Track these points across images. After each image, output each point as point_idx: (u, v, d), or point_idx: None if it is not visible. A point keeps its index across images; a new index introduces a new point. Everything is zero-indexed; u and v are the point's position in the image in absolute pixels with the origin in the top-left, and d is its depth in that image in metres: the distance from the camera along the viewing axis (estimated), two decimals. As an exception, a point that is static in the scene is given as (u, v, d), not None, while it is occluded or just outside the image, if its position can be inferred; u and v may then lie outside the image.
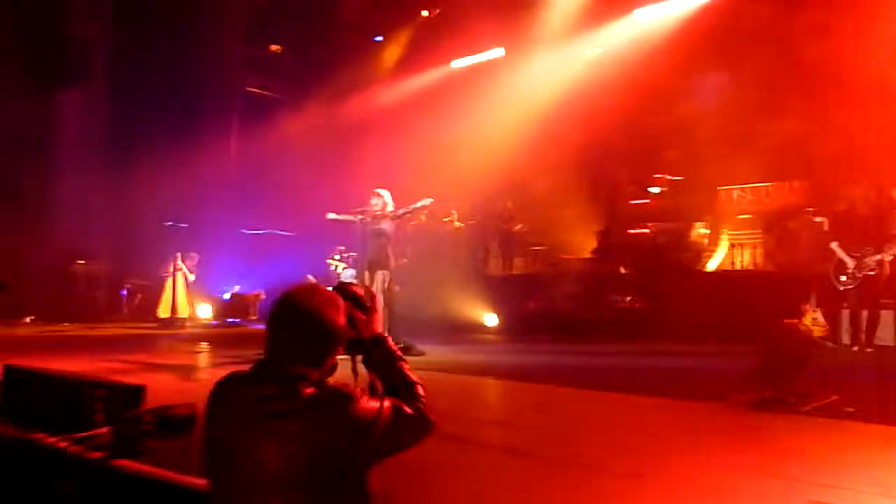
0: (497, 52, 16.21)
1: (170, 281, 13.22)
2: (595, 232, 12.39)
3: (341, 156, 16.57)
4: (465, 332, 11.71)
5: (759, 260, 11.11)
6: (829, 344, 8.37)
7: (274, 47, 18.13)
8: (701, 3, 13.47)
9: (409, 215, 9.29)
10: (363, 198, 8.95)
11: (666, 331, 9.94)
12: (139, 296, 14.48)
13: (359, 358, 2.25)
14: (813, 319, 8.55)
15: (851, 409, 4.74)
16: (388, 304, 8.65)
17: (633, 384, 6.14)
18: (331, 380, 2.06)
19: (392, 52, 17.78)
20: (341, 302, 2.14)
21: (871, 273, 8.35)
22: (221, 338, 10.73)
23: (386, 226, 8.71)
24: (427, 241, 14.09)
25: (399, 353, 2.24)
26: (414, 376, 2.17)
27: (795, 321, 5.24)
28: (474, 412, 5.19)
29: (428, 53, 16.60)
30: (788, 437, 4.30)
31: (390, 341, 2.25)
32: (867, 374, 6.73)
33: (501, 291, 13.31)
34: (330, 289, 2.18)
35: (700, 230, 12.37)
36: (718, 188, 12.47)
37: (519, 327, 11.57)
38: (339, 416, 1.93)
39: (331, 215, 8.97)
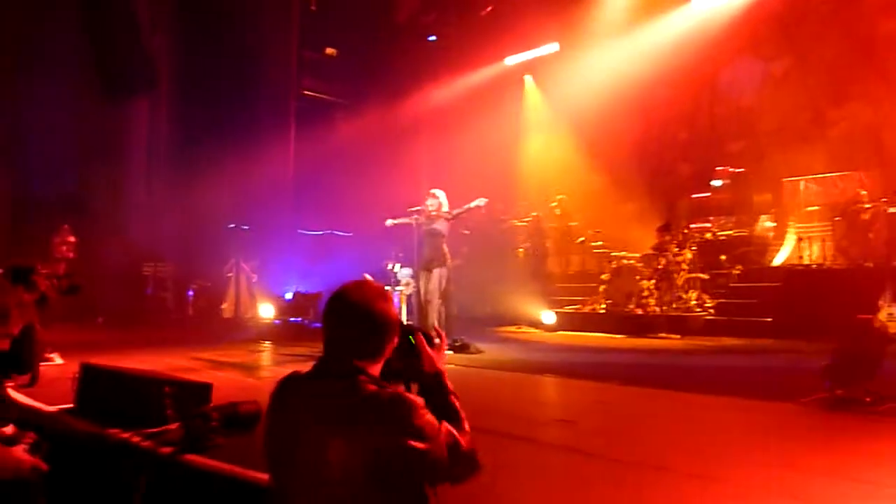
0: (551, 48, 16.05)
1: (233, 281, 13.59)
2: (655, 227, 12.14)
3: (396, 156, 16.72)
4: (522, 330, 11.65)
5: (829, 254, 10.69)
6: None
7: (329, 50, 18.40)
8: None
9: (464, 215, 9.29)
10: (418, 198, 9.01)
11: (731, 328, 9.68)
12: (204, 296, 14.92)
13: (414, 387, 2.24)
14: (888, 315, 8.17)
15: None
16: (445, 303, 8.68)
17: (697, 383, 5.99)
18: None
19: (447, 51, 17.83)
20: (390, 294, 2.18)
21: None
22: (283, 336, 10.95)
23: (441, 225, 8.75)
24: (483, 240, 14.09)
25: (452, 388, 2.24)
26: (463, 413, 2.19)
27: (870, 317, 5.00)
28: (535, 411, 5.15)
29: (481, 51, 16.58)
30: (863, 438, 4.12)
31: (447, 378, 2.26)
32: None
33: (559, 289, 13.20)
34: (403, 327, 2.19)
35: (765, 224, 11.98)
36: (784, 180, 12.05)
37: (577, 325, 11.44)
38: (399, 421, 1.93)
39: (389, 221, 9.10)
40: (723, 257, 11.51)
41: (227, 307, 13.64)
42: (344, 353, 2.06)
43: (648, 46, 14.27)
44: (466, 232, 13.59)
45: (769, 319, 9.39)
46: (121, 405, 4.10)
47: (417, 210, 8.78)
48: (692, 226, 12.30)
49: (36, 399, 4.34)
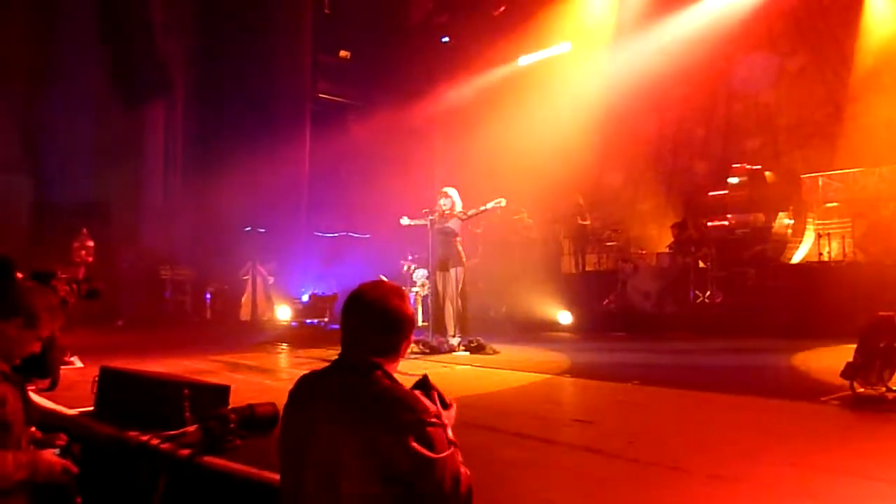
0: (564, 47, 16.00)
1: (249, 284, 13.69)
2: (671, 225, 12.07)
3: (411, 157, 16.76)
4: (539, 330, 11.61)
5: (848, 250, 10.56)
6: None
7: (343, 53, 18.47)
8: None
9: (479, 216, 9.27)
10: (433, 198, 9.01)
11: (749, 326, 9.58)
12: (221, 299, 15.03)
13: None
14: (910, 312, 8.05)
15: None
16: (460, 303, 8.68)
17: (715, 382, 5.94)
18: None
19: (460, 52, 17.83)
20: (405, 292, 2.23)
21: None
22: (300, 338, 11.00)
23: (455, 224, 8.74)
24: (498, 239, 14.07)
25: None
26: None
27: (891, 314, 4.94)
28: (552, 411, 5.13)
29: (494, 51, 16.56)
30: (885, 437, 4.06)
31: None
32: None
33: (575, 288, 13.14)
34: (417, 384, 2.18)
35: (783, 221, 11.86)
36: (802, 176, 11.93)
37: (594, 325, 11.39)
38: (408, 420, 1.94)
39: (404, 221, 9.07)
40: (740, 255, 11.41)
41: (244, 310, 13.74)
42: (360, 349, 2.10)
43: (662, 44, 14.19)
44: (478, 231, 13.57)
45: (788, 318, 9.29)
46: (140, 408, 4.15)
47: (431, 210, 8.77)
48: (709, 223, 12.21)
49: (56, 402, 4.40)
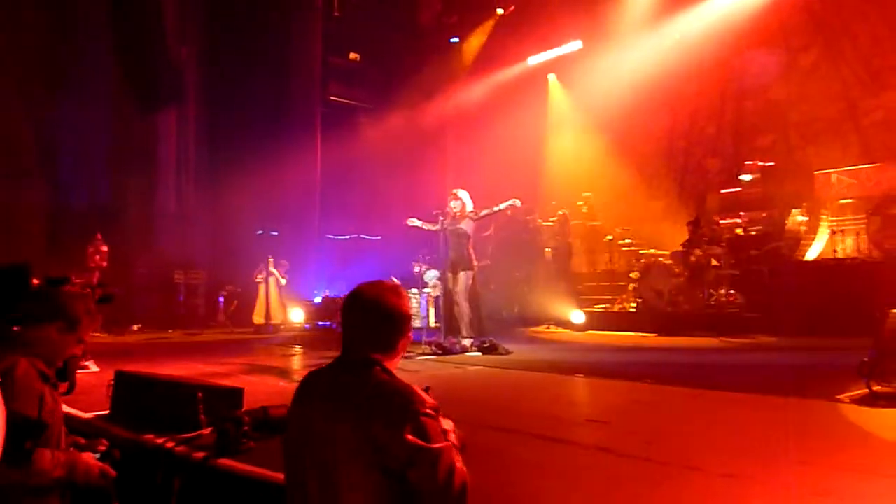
0: (575, 45, 15.96)
1: (262, 287, 13.75)
2: (687, 223, 12.00)
3: (422, 158, 16.79)
4: (550, 330, 11.60)
5: (863, 247, 10.46)
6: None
7: (353, 55, 18.52)
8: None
9: (492, 216, 9.24)
10: (445, 200, 9.00)
11: (763, 324, 9.52)
12: (235, 302, 15.10)
13: None
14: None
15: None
16: (472, 304, 8.68)
17: (729, 381, 5.91)
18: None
19: (469, 52, 17.84)
20: (403, 291, 2.28)
21: None
22: (313, 340, 11.04)
23: (466, 226, 8.74)
24: (509, 239, 14.06)
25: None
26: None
27: (907, 311, 4.89)
28: (566, 411, 5.12)
29: (504, 51, 16.57)
30: (903, 434, 4.02)
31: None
32: None
33: (587, 288, 13.11)
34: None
35: (797, 218, 11.76)
36: (815, 172, 11.83)
37: (607, 324, 11.35)
38: (402, 412, 1.98)
39: (411, 222, 9.05)
40: (754, 252, 11.33)
41: (257, 313, 13.81)
42: (359, 344, 2.16)
43: (673, 40, 14.13)
44: (487, 233, 13.56)
45: (803, 315, 9.21)
46: (154, 411, 4.18)
47: (442, 212, 8.77)
48: (722, 221, 12.14)
49: (73, 406, 4.44)
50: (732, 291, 10.88)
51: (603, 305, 12.31)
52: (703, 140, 14.74)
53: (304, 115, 17.73)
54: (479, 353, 8.26)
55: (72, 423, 3.98)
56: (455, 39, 18.27)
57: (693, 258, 11.09)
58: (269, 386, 6.10)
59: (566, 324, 11.70)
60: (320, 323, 13.88)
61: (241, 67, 16.33)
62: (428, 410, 2.01)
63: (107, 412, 4.56)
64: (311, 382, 2.24)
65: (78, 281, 3.63)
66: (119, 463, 3.10)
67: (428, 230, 8.92)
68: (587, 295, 12.79)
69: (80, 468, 2.64)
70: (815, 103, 12.78)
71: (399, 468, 1.94)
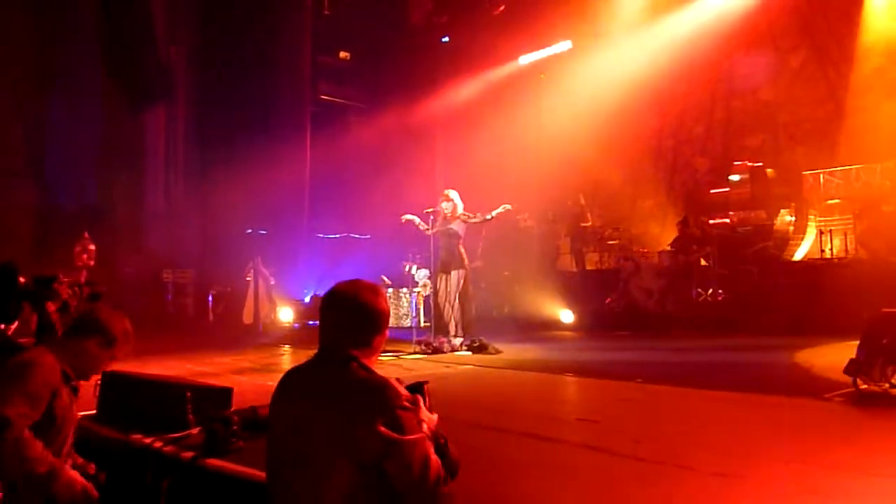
0: (564, 45, 15.99)
1: (251, 286, 13.68)
2: (677, 222, 12.06)
3: (412, 158, 16.75)
4: (541, 329, 11.61)
5: (850, 247, 10.55)
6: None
7: (343, 54, 18.47)
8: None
9: (485, 223, 9.21)
10: (435, 200, 8.98)
11: (752, 324, 9.58)
12: (224, 301, 15.03)
13: None
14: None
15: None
16: (463, 304, 8.67)
17: (718, 380, 5.93)
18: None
19: (460, 51, 17.82)
20: (381, 289, 2.32)
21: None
22: (303, 340, 10.99)
23: (456, 226, 8.73)
24: (500, 238, 14.07)
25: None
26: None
27: (894, 310, 4.92)
28: (556, 410, 5.12)
29: (495, 51, 16.56)
30: (889, 433, 4.05)
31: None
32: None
33: (577, 287, 13.13)
34: (412, 386, 2.26)
35: (785, 218, 11.85)
36: (804, 173, 11.92)
37: (596, 323, 11.38)
38: (379, 405, 2.00)
39: (407, 217, 8.99)
40: (742, 252, 11.40)
41: (246, 312, 13.74)
42: (337, 342, 2.18)
43: (662, 41, 14.17)
44: (481, 232, 13.56)
45: (791, 314, 9.28)
46: (142, 410, 4.14)
47: (432, 212, 8.76)
48: (711, 221, 12.20)
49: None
50: (721, 291, 10.94)
51: (592, 304, 12.33)
52: (692, 140, 14.81)
53: (294, 114, 17.66)
54: (469, 353, 8.25)
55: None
56: (446, 39, 18.25)
57: (682, 258, 11.15)
58: (259, 385, 6.06)
59: (556, 323, 11.71)
60: (310, 322, 13.83)
61: (230, 66, 16.24)
62: (403, 403, 2.03)
63: (94, 412, 4.51)
64: (290, 380, 2.26)
65: (65, 280, 3.60)
66: (107, 463, 3.08)
67: (421, 229, 8.88)
68: (576, 294, 12.80)
69: (63, 478, 2.62)
70: (804, 104, 12.87)
71: (375, 461, 1.96)
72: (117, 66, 15.16)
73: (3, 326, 3.45)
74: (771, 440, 3.82)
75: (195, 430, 3.80)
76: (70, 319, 3.44)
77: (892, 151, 11.09)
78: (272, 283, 14.04)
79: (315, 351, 2.26)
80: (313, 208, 17.47)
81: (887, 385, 4.68)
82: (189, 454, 3.51)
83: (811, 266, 10.48)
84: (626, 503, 2.97)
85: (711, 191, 13.22)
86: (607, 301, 12.35)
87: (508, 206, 8.76)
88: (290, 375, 2.28)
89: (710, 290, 11.00)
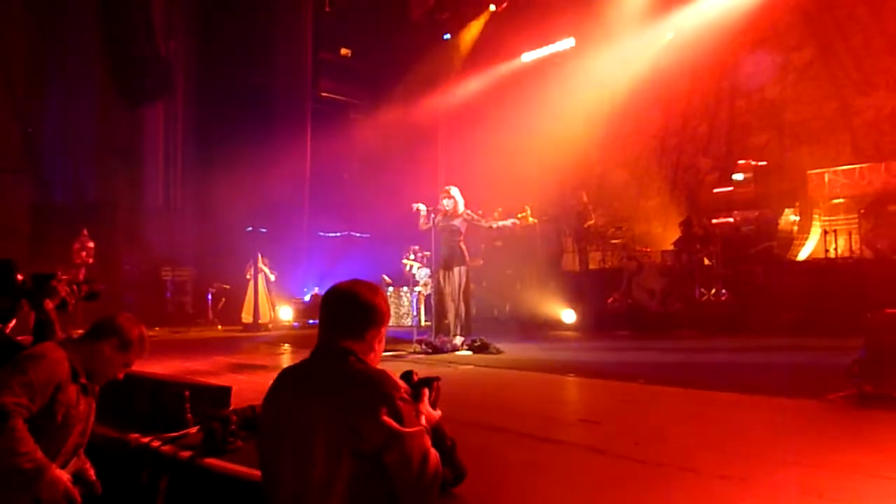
0: (567, 43, 15.97)
1: (251, 284, 13.69)
2: (680, 222, 12.04)
3: (414, 156, 16.75)
4: (543, 329, 11.60)
5: (855, 247, 10.53)
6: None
7: (344, 51, 18.46)
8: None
9: (486, 228, 9.21)
10: (436, 198, 8.98)
11: (755, 324, 9.57)
12: (223, 299, 15.04)
13: None
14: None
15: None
16: (464, 303, 8.67)
17: (722, 381, 5.92)
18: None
19: (462, 48, 17.81)
20: (380, 288, 2.37)
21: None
22: (303, 339, 11.00)
23: (458, 223, 8.73)
24: (501, 238, 14.07)
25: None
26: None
27: (899, 311, 4.91)
28: (557, 411, 5.12)
29: (497, 48, 16.55)
30: (892, 435, 4.04)
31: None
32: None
33: (579, 287, 13.12)
34: (423, 379, 2.36)
35: (789, 217, 11.84)
36: (808, 172, 11.90)
37: (598, 323, 11.37)
38: (380, 397, 2.02)
39: (417, 205, 8.91)
40: (746, 252, 11.39)
41: (245, 311, 13.75)
42: (332, 334, 2.21)
43: (666, 39, 14.16)
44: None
45: (794, 315, 9.27)
46: (141, 409, 4.15)
47: (434, 209, 8.75)
48: (714, 221, 12.19)
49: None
50: (724, 291, 10.93)
51: (595, 304, 12.32)
52: (696, 139, 14.79)
53: (295, 111, 17.67)
54: (471, 352, 8.25)
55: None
56: (447, 36, 18.23)
57: (685, 257, 11.14)
58: (258, 385, 6.05)
59: (558, 322, 11.70)
60: (310, 321, 13.84)
61: (230, 62, 16.24)
62: (403, 395, 2.05)
63: (92, 411, 4.52)
64: (285, 377, 2.28)
65: (64, 277, 3.60)
66: (105, 462, 3.08)
67: (420, 223, 8.83)
68: (579, 293, 12.80)
69: (48, 478, 2.62)
70: (809, 103, 12.85)
71: (375, 452, 1.97)
72: (115, 61, 15.17)
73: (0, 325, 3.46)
74: (774, 442, 3.82)
75: (193, 430, 3.81)
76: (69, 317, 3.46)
77: (897, 149, 11.09)
78: (272, 281, 14.05)
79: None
80: (313, 206, 17.48)
81: (891, 386, 4.66)
82: (187, 453, 3.51)
83: (815, 266, 10.47)
84: (627, 505, 2.97)
85: (715, 190, 13.20)
86: (609, 301, 12.34)
87: (516, 221, 8.82)
88: (285, 373, 2.30)
89: (714, 290, 10.99)
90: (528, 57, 16.73)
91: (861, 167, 11.26)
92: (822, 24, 12.73)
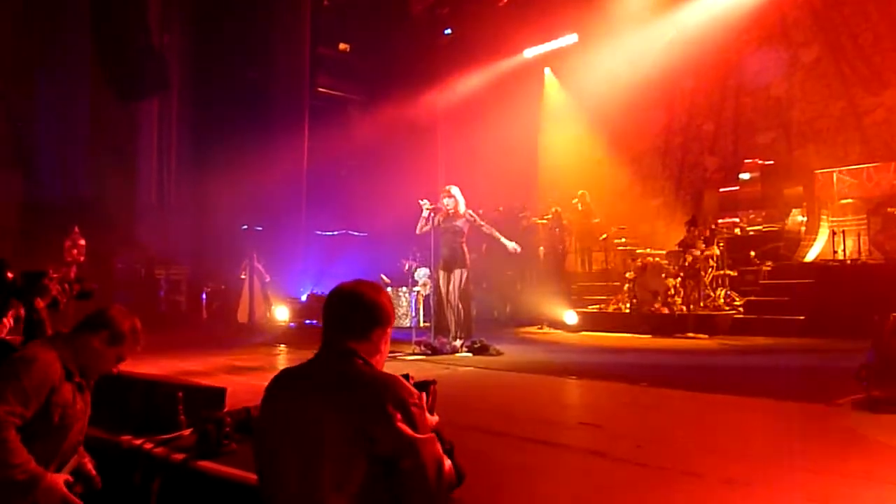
0: (570, 39, 15.97)
1: (247, 283, 13.68)
2: (685, 222, 12.04)
3: (413, 153, 16.75)
4: (544, 330, 11.61)
5: (863, 248, 10.53)
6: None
7: (342, 46, 18.46)
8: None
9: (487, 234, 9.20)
10: (436, 196, 8.98)
11: (761, 326, 9.57)
12: (218, 299, 15.03)
13: None
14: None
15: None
16: (463, 304, 8.67)
17: (727, 384, 5.93)
18: None
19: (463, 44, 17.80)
20: (383, 288, 2.37)
21: None
22: (299, 339, 11.00)
23: (460, 224, 8.73)
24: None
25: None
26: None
27: (908, 314, 4.91)
28: (558, 414, 5.12)
29: (499, 44, 16.55)
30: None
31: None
32: None
33: (581, 288, 13.13)
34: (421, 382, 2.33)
35: (796, 218, 11.84)
36: (816, 172, 11.90)
37: (601, 325, 11.37)
38: (393, 402, 2.01)
39: (424, 201, 8.88)
40: (752, 253, 11.39)
41: (241, 310, 13.74)
42: (336, 334, 2.21)
43: (671, 35, 14.16)
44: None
45: (801, 317, 9.29)
46: (133, 411, 4.15)
47: (433, 208, 8.74)
48: (720, 221, 12.19)
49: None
50: (730, 293, 10.93)
51: (597, 306, 12.33)
52: (701, 137, 14.80)
53: (292, 107, 17.66)
54: (470, 354, 8.25)
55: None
56: (448, 31, 18.23)
57: (690, 258, 11.13)
58: (253, 386, 6.05)
59: (560, 324, 11.71)
60: (307, 321, 13.83)
61: (226, 57, 16.24)
62: (417, 401, 2.06)
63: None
64: (287, 378, 2.27)
65: (55, 276, 3.60)
66: (96, 464, 3.08)
67: (422, 227, 8.81)
68: (581, 295, 12.81)
69: (43, 486, 2.63)
70: (816, 101, 12.86)
71: (388, 458, 1.98)
72: (109, 55, 15.15)
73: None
74: (779, 446, 3.82)
75: (187, 432, 3.81)
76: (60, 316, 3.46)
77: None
78: (268, 280, 14.05)
79: (312, 351, 2.27)
80: (311, 204, 17.47)
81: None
82: (180, 456, 3.51)
83: (823, 267, 10.47)
84: (629, 510, 2.98)
85: (721, 189, 13.21)
86: (610, 302, 12.33)
87: (517, 248, 8.90)
88: (285, 374, 2.29)
89: (719, 292, 10.99)
90: (530, 53, 16.73)
91: (870, 167, 11.27)
92: (830, 21, 12.74)
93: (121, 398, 4.37)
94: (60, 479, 2.75)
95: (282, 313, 14.29)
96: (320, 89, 18.23)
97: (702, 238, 11.24)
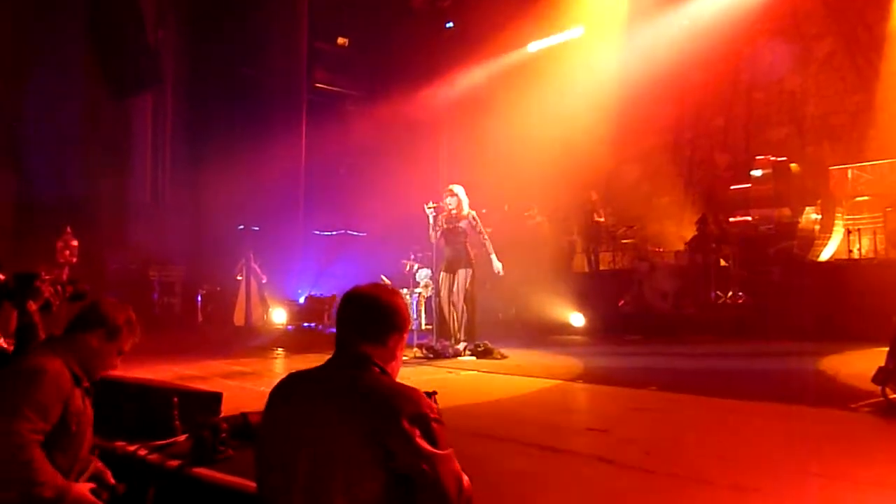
0: (576, 32, 15.95)
1: (243, 285, 13.69)
2: (696, 221, 12.03)
3: (414, 150, 16.74)
4: (550, 333, 11.60)
5: (880, 247, 10.51)
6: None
7: (341, 40, 18.47)
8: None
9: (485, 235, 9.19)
10: (437, 195, 8.98)
11: (774, 328, 9.56)
12: (214, 301, 15.05)
13: None
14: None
15: None
16: (467, 306, 8.67)
17: (737, 388, 5.93)
18: None
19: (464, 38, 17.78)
20: (399, 291, 2.39)
21: None
22: (296, 342, 11.02)
23: (464, 225, 8.73)
24: (507, 237, 14.05)
25: None
26: None
27: (926, 315, 4.91)
28: (564, 419, 5.13)
29: (502, 37, 16.52)
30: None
31: None
32: None
33: (588, 289, 13.11)
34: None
35: (810, 216, 11.81)
36: (830, 168, 11.87)
37: (609, 327, 11.37)
38: (413, 416, 2.00)
39: (429, 206, 8.86)
40: (765, 252, 11.37)
41: (237, 313, 13.76)
42: (349, 337, 2.20)
43: (680, 27, 14.12)
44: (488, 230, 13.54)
45: (816, 319, 9.26)
46: (127, 416, 4.15)
47: (435, 207, 8.74)
48: (731, 219, 12.17)
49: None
50: (741, 293, 10.92)
51: (605, 307, 12.31)
52: (712, 133, 14.78)
53: (289, 103, 17.68)
54: (473, 357, 8.26)
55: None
56: (450, 24, 18.23)
57: (700, 258, 11.13)
58: (249, 391, 6.07)
59: (566, 326, 11.70)
60: (304, 324, 13.85)
61: (222, 52, 16.26)
62: (437, 416, 2.06)
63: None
64: (296, 382, 2.25)
65: (47, 277, 3.61)
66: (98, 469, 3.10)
67: (433, 232, 8.78)
68: (589, 295, 12.78)
69: (70, 498, 2.66)
70: (831, 95, 12.84)
71: (407, 473, 1.97)
72: (102, 50, 15.18)
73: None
74: (792, 452, 3.82)
75: (182, 438, 3.81)
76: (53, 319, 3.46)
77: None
78: (264, 282, 14.06)
79: (310, 355, 2.28)
80: (308, 203, 17.49)
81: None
82: (175, 462, 3.52)
83: (838, 267, 10.45)
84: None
85: (732, 187, 13.17)
86: (620, 303, 12.33)
87: (501, 272, 8.98)
88: (295, 379, 2.26)
89: (730, 293, 10.98)
90: (534, 46, 16.71)
91: (886, 163, 11.24)
92: (844, 12, 12.72)
93: (114, 403, 4.38)
94: (86, 488, 2.78)
95: (279, 316, 14.32)
96: (318, 85, 18.25)
97: (712, 237, 11.25)
